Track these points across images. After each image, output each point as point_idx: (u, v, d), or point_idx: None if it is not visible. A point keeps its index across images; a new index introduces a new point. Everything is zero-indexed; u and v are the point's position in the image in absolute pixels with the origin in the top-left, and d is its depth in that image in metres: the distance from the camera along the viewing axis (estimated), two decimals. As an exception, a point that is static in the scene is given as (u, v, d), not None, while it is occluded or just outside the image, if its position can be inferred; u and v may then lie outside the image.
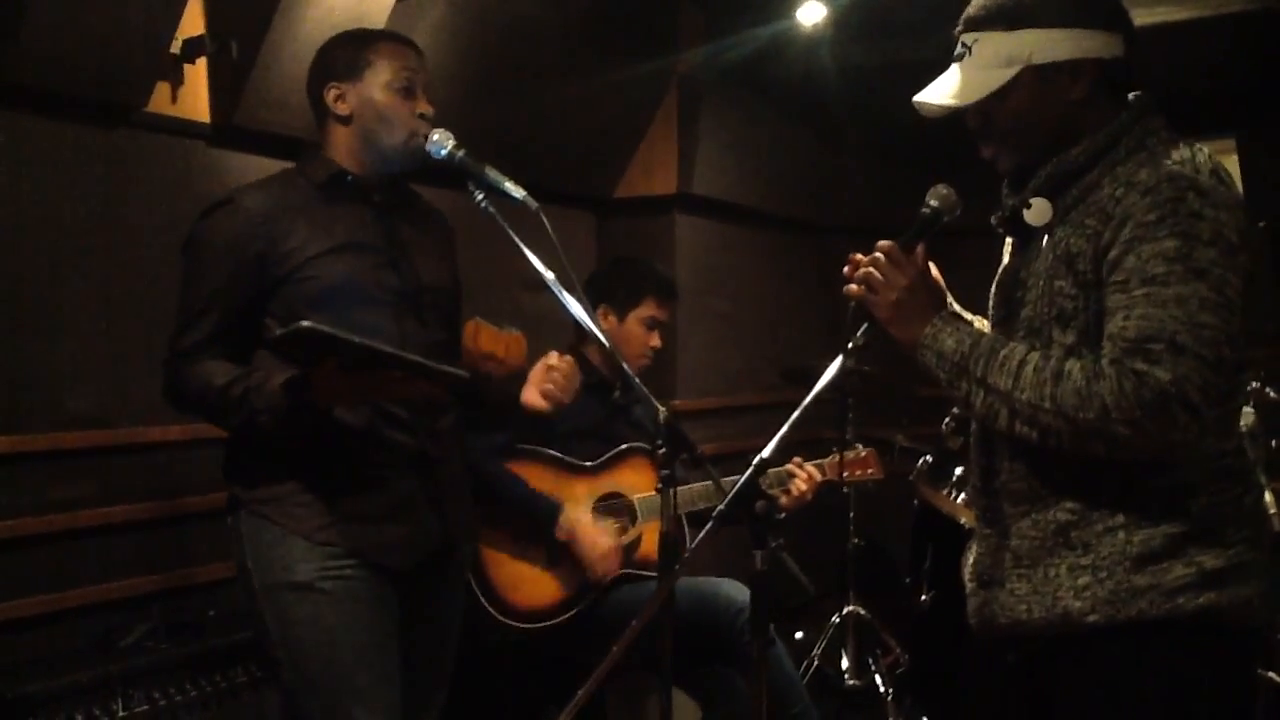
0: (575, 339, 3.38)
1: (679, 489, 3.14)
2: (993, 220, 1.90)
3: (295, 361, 2.10)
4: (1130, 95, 1.80)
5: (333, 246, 2.25)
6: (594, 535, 3.10)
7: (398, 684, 2.29)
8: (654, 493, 3.16)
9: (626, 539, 3.22)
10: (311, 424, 2.18)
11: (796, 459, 3.27)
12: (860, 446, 3.62)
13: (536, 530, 3.13)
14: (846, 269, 1.84)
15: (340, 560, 2.23)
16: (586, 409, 3.24)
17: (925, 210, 1.85)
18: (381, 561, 2.27)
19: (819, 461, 3.33)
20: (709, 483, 3.13)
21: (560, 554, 3.13)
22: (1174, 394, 1.59)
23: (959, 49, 1.83)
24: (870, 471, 3.58)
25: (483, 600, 3.02)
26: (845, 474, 3.53)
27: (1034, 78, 1.77)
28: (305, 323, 1.96)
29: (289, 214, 2.25)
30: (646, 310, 3.36)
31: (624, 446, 3.29)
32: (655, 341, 3.40)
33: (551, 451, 3.21)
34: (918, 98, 1.84)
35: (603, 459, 3.26)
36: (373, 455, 2.26)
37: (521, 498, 3.10)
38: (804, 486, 3.22)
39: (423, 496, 2.32)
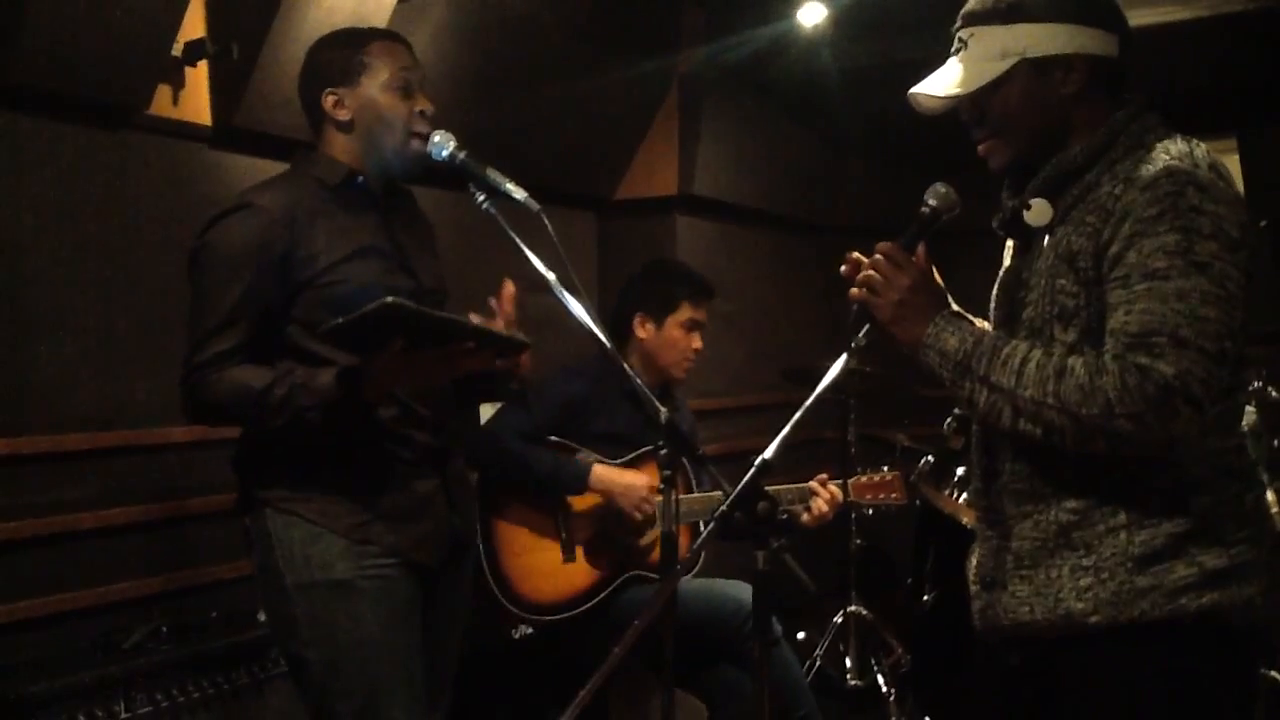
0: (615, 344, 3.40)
1: (698, 497, 3.23)
2: (994, 224, 1.90)
3: (358, 346, 2.08)
4: (1125, 95, 1.81)
5: (352, 252, 2.23)
6: (628, 477, 3.16)
7: (424, 684, 2.28)
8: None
9: (644, 541, 3.22)
10: (358, 417, 2.15)
11: (821, 476, 3.23)
12: (886, 469, 3.59)
13: (552, 524, 3.16)
14: (844, 269, 1.83)
15: (378, 559, 2.22)
16: (623, 415, 3.25)
17: (924, 209, 1.85)
18: (417, 559, 2.26)
19: (841, 481, 3.32)
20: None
21: (574, 549, 3.15)
22: (1177, 388, 1.59)
23: (956, 44, 1.84)
24: (894, 496, 3.54)
25: (495, 590, 3.03)
26: (869, 497, 3.53)
27: (1028, 71, 1.77)
28: (390, 298, 1.92)
29: (308, 216, 2.22)
30: (683, 314, 3.37)
31: (644, 449, 3.28)
32: (696, 344, 3.40)
33: (574, 445, 3.23)
34: (914, 90, 1.84)
35: (623, 460, 3.26)
36: (397, 453, 2.26)
37: (549, 464, 3.14)
38: (825, 508, 3.20)
39: (440, 494, 2.33)
